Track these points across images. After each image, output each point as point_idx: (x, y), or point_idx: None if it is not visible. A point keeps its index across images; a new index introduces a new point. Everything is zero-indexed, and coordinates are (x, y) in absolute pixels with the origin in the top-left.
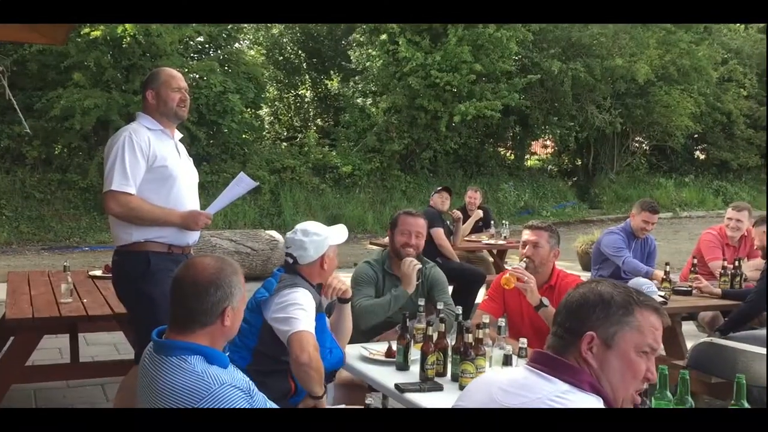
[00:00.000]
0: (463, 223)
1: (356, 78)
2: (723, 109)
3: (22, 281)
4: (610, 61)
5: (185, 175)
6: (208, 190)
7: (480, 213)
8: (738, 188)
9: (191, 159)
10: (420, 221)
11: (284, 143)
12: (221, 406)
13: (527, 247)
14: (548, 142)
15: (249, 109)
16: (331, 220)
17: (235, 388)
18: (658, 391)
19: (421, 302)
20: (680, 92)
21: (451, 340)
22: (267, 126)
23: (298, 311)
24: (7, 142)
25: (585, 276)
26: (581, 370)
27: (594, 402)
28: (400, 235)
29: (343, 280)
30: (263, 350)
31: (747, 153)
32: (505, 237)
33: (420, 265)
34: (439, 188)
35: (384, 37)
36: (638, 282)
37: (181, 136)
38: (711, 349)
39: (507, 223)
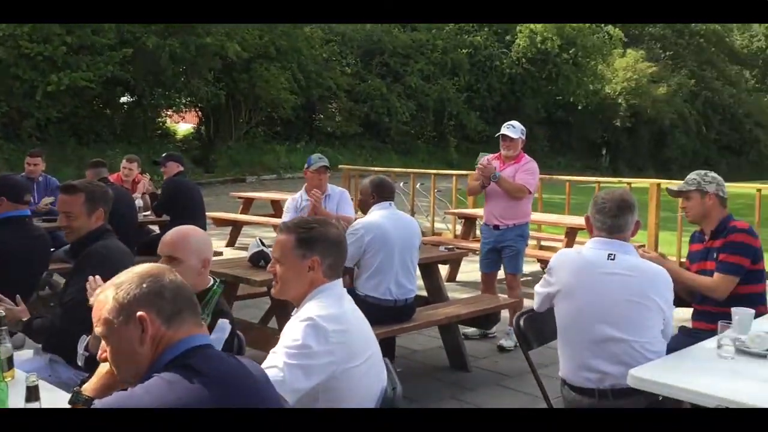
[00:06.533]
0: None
1: None
2: (325, 84)
3: None
4: (203, 39)
5: None
6: None
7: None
8: (338, 152)
9: None
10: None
11: None
12: None
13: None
14: (169, 111)
15: None
16: None
17: None
18: None
19: None
20: (278, 68)
21: None
22: None
23: None
24: None
25: None
26: None
27: None
28: None
29: None
30: None
31: (348, 122)
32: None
33: None
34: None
35: None
36: None
37: None
38: None
39: None
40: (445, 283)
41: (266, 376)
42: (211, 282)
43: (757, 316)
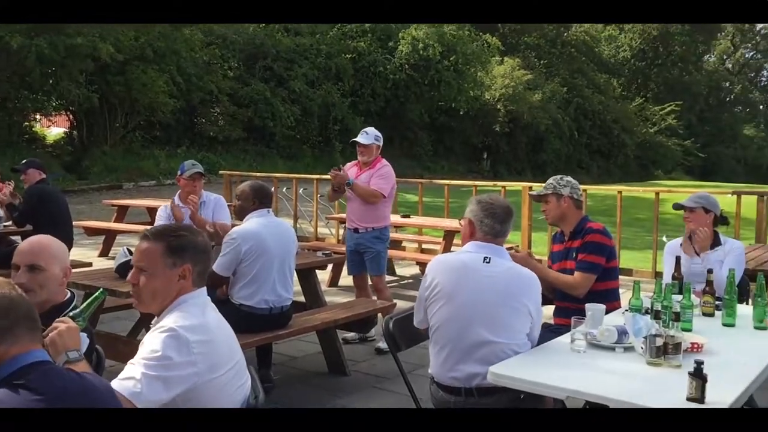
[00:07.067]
0: None
1: None
2: (205, 88)
3: None
4: (73, 39)
5: None
6: None
7: None
8: (221, 157)
9: None
10: None
11: None
12: None
13: None
14: (38, 116)
15: None
16: None
17: None
18: None
19: None
20: (156, 71)
21: None
22: None
23: None
24: None
25: None
26: None
27: None
28: None
29: None
30: None
31: (231, 127)
32: None
33: None
34: None
35: None
36: None
37: None
38: None
39: None
40: (327, 288)
41: (112, 391)
42: (69, 295)
43: (611, 310)
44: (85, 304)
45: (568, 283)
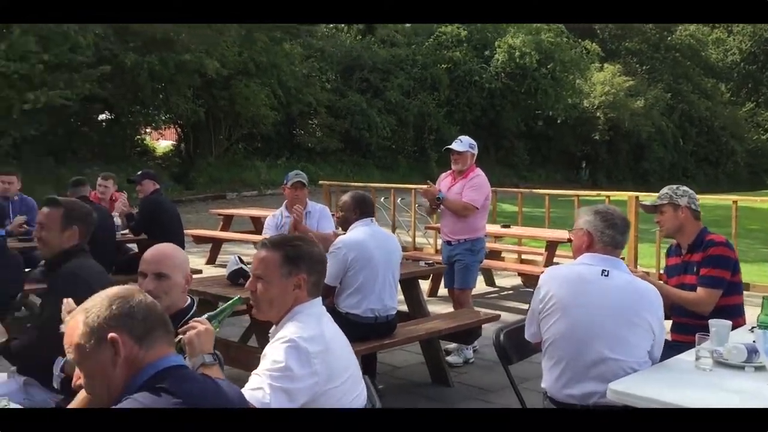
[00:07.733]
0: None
1: None
2: (304, 100)
3: None
4: (182, 56)
5: None
6: None
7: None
8: (319, 168)
9: None
10: None
11: None
12: None
13: None
14: (148, 129)
15: None
16: None
17: None
18: None
19: None
20: (258, 85)
21: None
22: None
23: None
24: None
25: None
26: None
27: None
28: None
29: None
30: None
31: (329, 138)
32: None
33: None
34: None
35: None
36: None
37: None
38: None
39: None
40: (428, 298)
41: (243, 397)
42: (189, 300)
43: (734, 327)
44: (220, 309)
45: (691, 299)
